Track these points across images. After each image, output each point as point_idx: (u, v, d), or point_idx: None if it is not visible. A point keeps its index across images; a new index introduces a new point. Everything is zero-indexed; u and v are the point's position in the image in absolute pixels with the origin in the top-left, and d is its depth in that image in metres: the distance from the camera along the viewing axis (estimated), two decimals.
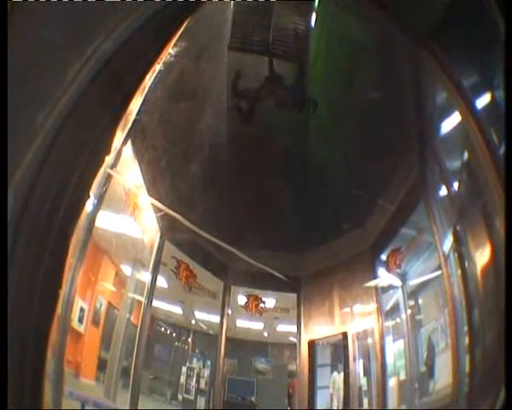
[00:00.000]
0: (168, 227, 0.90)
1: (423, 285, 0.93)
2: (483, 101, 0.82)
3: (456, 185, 0.91)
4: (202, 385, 0.94)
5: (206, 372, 0.95)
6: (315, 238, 0.95)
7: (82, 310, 0.84)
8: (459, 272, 0.86)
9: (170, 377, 0.94)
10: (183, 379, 0.94)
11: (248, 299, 0.96)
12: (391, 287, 0.94)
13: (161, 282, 0.93)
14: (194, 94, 0.93)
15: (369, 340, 0.94)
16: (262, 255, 0.91)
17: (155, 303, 0.91)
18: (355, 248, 0.95)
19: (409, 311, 0.93)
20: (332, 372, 0.95)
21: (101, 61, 0.68)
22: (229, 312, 0.96)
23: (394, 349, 0.91)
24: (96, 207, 0.80)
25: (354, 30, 0.96)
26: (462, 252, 0.86)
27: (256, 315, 0.96)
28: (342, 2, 0.96)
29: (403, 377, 0.90)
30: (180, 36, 0.81)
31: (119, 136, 0.81)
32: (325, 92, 0.98)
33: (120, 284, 0.91)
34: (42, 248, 0.67)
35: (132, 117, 0.82)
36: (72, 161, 0.70)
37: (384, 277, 0.95)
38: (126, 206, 0.88)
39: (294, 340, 0.95)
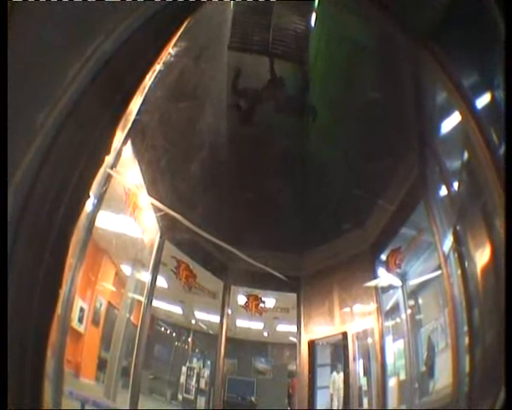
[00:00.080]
0: (168, 227, 0.90)
1: (423, 285, 0.93)
2: (483, 101, 0.82)
3: (456, 185, 0.91)
4: (202, 385, 0.94)
5: (206, 372, 0.95)
6: (315, 238, 0.95)
7: (82, 310, 0.84)
8: (459, 272, 0.86)
9: (170, 377, 0.95)
10: (183, 379, 0.94)
11: (248, 299, 0.96)
12: (391, 287, 0.94)
13: (161, 282, 0.93)
14: (194, 94, 0.93)
15: (369, 340, 0.94)
16: (262, 255, 0.91)
17: (155, 303, 0.91)
18: (355, 248, 0.95)
19: (409, 311, 0.93)
20: (332, 372, 0.95)
21: (101, 61, 0.68)
22: (229, 312, 0.96)
23: (394, 349, 0.91)
24: (96, 207, 0.80)
25: (354, 30, 0.96)
26: (462, 252, 0.86)
27: (256, 315, 0.96)
28: (342, 2, 0.96)
29: (403, 377, 0.90)
30: (180, 36, 0.81)
31: (119, 136, 0.81)
32: (325, 92, 0.98)
33: (120, 283, 0.91)
34: (42, 248, 0.67)
35: (132, 117, 0.82)
36: (72, 161, 0.70)
37: (384, 277, 0.95)
38: (126, 206, 0.88)
39: (294, 340, 0.95)
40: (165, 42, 0.81)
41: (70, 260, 0.73)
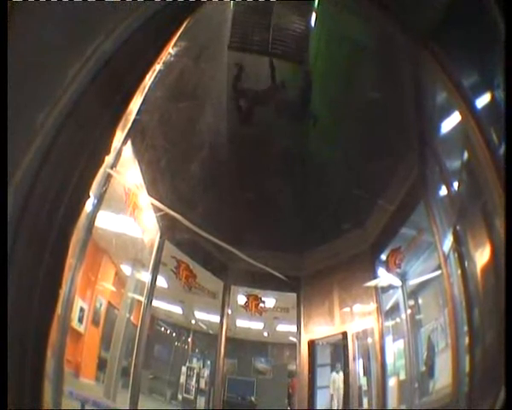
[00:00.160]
0: (168, 227, 0.90)
1: (423, 285, 0.93)
2: (483, 101, 0.82)
3: (456, 185, 0.91)
4: (202, 385, 0.94)
5: (206, 372, 0.95)
6: (315, 238, 0.95)
7: (82, 310, 0.84)
8: (459, 271, 0.86)
9: (170, 376, 0.95)
10: (182, 379, 0.94)
11: (248, 299, 0.96)
12: (391, 287, 0.94)
13: (161, 282, 0.93)
14: (194, 94, 0.93)
15: (369, 340, 0.94)
16: (262, 255, 0.91)
17: (155, 303, 0.91)
18: (355, 248, 0.95)
19: (409, 311, 0.93)
20: (332, 372, 0.95)
21: (101, 61, 0.68)
22: (229, 312, 0.96)
23: (394, 349, 0.91)
24: (96, 207, 0.80)
25: (354, 30, 0.96)
26: (461, 252, 0.86)
27: (256, 315, 0.96)
28: (342, 2, 0.96)
29: (403, 376, 0.90)
30: (180, 36, 0.81)
31: (119, 136, 0.81)
32: (325, 92, 0.98)
33: (120, 283, 0.91)
34: (42, 248, 0.67)
35: (132, 117, 0.82)
36: (72, 161, 0.70)
37: (384, 277, 0.95)
38: (126, 206, 0.88)
39: (294, 340, 0.95)
40: (165, 42, 0.81)
41: (70, 260, 0.73)
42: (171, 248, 0.92)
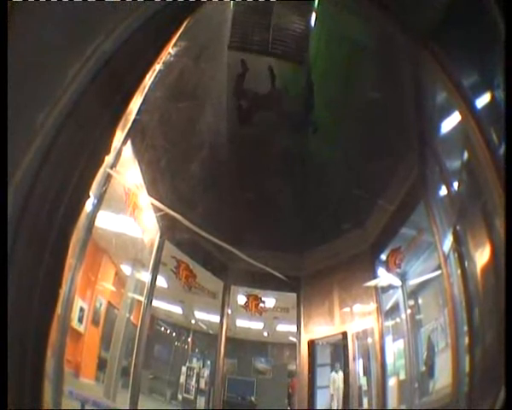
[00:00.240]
0: (168, 227, 0.90)
1: (423, 285, 0.93)
2: (483, 101, 0.82)
3: (456, 185, 0.91)
4: (202, 385, 0.94)
5: (206, 372, 0.95)
6: (315, 238, 0.95)
7: (82, 310, 0.84)
8: (459, 271, 0.87)
9: (170, 376, 0.95)
10: (182, 379, 0.94)
11: (248, 299, 0.96)
12: (391, 287, 0.94)
13: (161, 282, 0.93)
14: (194, 94, 0.93)
15: (369, 340, 0.94)
16: (262, 255, 0.91)
17: (155, 303, 0.91)
18: (355, 248, 0.95)
19: (409, 311, 0.93)
20: (332, 372, 0.95)
21: (101, 61, 0.68)
22: (229, 312, 0.96)
23: (394, 349, 0.91)
24: (96, 207, 0.80)
25: (354, 30, 0.96)
26: (461, 252, 0.86)
27: (256, 315, 0.96)
28: (342, 2, 0.96)
29: (403, 376, 0.90)
30: (180, 36, 0.81)
31: (119, 136, 0.81)
32: (325, 92, 0.98)
33: (120, 283, 0.91)
34: (42, 248, 0.67)
35: (132, 117, 0.82)
36: (72, 161, 0.70)
37: (384, 277, 0.95)
38: (126, 206, 0.88)
39: (294, 340, 0.95)
40: (165, 42, 0.81)
41: (70, 260, 0.73)
42: (171, 248, 0.92)
